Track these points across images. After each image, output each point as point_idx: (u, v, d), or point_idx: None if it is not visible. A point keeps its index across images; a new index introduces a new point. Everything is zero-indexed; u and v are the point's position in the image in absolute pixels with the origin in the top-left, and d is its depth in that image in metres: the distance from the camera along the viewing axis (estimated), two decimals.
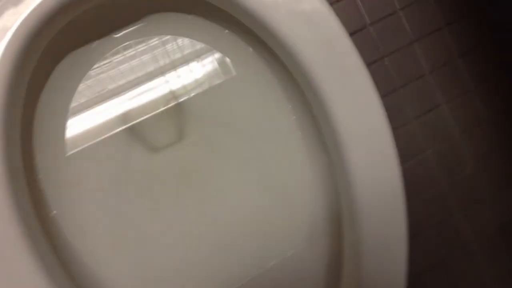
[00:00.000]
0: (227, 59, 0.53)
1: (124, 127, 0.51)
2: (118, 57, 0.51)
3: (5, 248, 0.36)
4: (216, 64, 0.53)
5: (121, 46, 0.51)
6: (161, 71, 0.52)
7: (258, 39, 0.46)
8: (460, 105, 0.73)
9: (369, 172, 0.42)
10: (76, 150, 0.49)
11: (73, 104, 0.50)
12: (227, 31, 0.52)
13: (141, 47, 0.51)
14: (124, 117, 0.51)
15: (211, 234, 0.52)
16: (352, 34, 0.69)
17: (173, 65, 0.52)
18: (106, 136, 0.50)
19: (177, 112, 0.52)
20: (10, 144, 0.39)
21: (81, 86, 0.50)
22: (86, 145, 0.50)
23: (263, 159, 0.54)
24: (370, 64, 0.70)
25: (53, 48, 0.45)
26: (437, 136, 0.73)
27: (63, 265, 0.43)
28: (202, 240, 0.52)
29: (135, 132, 0.51)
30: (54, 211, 0.48)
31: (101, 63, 0.50)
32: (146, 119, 0.51)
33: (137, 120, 0.51)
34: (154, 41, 0.52)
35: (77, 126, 0.50)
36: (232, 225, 0.53)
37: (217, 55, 0.53)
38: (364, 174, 0.42)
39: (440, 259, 0.74)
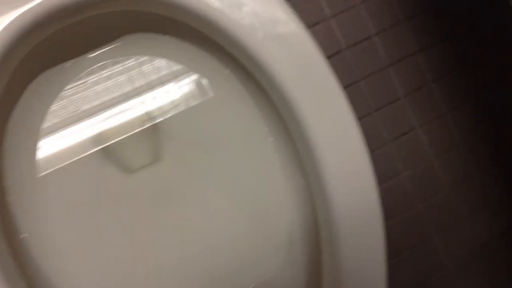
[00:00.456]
0: (204, 81, 0.53)
1: (98, 148, 0.50)
2: (93, 78, 0.50)
3: None
4: (193, 85, 0.52)
5: (96, 66, 0.50)
6: (137, 92, 0.51)
7: (236, 61, 0.47)
8: (435, 128, 0.75)
9: (347, 194, 0.42)
10: (48, 171, 0.48)
11: (46, 124, 0.49)
12: (204, 52, 0.52)
13: (117, 68, 0.51)
14: (99, 138, 0.50)
15: (187, 257, 0.51)
16: (328, 57, 0.70)
17: (150, 86, 0.52)
18: (79, 157, 0.49)
19: (153, 134, 0.52)
20: None
21: (54, 106, 0.49)
22: (58, 166, 0.48)
23: (240, 181, 0.53)
24: (346, 87, 0.71)
25: (25, 67, 0.44)
26: (413, 158, 0.74)
27: None
28: (178, 264, 0.51)
29: (110, 153, 0.50)
30: (25, 234, 0.46)
31: (75, 83, 0.50)
32: (121, 140, 0.51)
33: (112, 141, 0.50)
34: (131, 61, 0.51)
35: (49, 146, 0.49)
36: (208, 247, 0.52)
37: (194, 76, 0.53)
38: (342, 195, 0.42)
39: (418, 282, 0.74)
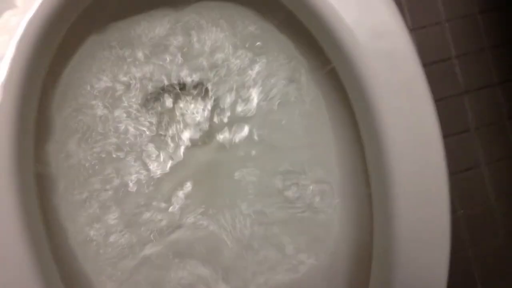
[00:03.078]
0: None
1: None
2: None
3: None
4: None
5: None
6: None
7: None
8: (501, 169, 0.69)
9: (415, 214, 0.37)
10: None
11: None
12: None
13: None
14: None
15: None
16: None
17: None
18: None
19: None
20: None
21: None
22: None
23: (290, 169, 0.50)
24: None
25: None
26: (473, 197, 0.68)
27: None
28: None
29: None
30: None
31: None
32: None
33: None
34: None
35: None
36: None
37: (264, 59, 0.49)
38: (409, 214, 0.37)
39: None
